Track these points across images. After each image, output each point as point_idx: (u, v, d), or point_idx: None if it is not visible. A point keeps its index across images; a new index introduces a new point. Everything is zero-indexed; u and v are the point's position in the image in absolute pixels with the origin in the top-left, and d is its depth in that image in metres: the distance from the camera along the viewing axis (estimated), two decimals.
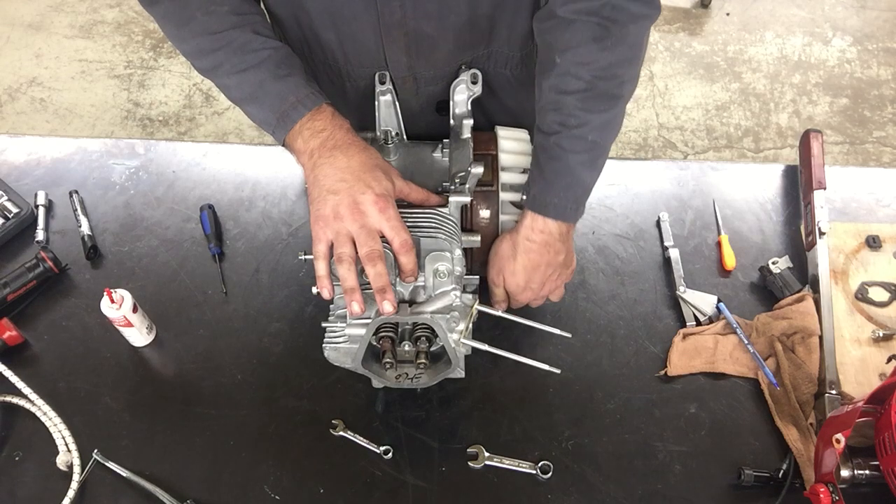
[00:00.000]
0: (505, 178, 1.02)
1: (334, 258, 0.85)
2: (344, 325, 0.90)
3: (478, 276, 1.04)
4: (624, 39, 0.87)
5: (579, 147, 0.91)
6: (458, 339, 0.88)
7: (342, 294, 0.85)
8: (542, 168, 0.93)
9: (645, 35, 0.90)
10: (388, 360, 0.91)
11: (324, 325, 0.93)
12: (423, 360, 0.90)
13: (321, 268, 0.87)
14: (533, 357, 0.89)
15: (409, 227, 0.88)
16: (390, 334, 0.90)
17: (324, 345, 0.93)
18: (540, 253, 0.95)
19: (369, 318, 0.86)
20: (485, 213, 1.01)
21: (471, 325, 0.90)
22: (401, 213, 0.87)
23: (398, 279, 0.87)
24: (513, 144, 1.05)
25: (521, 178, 1.02)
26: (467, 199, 0.95)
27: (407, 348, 0.91)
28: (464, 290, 0.94)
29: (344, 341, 0.91)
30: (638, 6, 0.86)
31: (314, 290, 0.96)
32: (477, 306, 0.92)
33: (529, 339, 1.09)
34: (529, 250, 0.95)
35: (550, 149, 0.92)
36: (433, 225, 0.93)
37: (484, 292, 1.05)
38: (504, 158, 1.03)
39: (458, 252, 0.91)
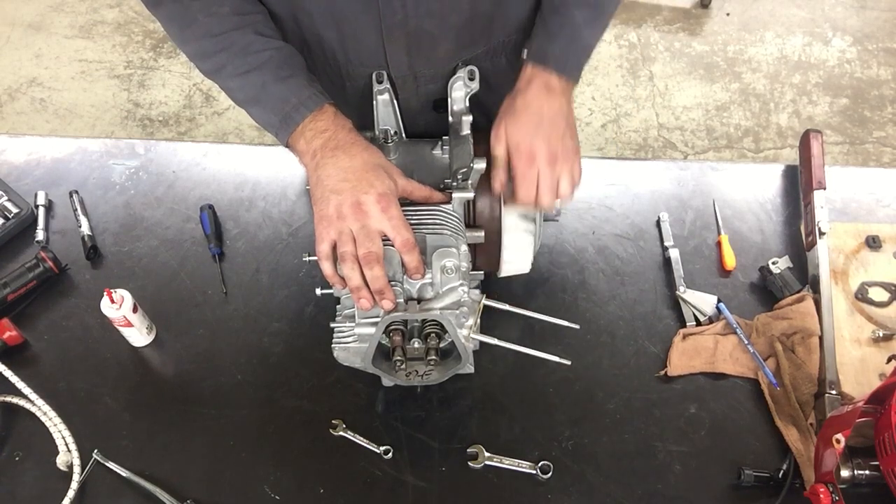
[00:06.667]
0: None
1: (339, 257, 0.85)
2: (352, 324, 0.90)
3: (482, 272, 1.04)
4: None
5: (582, 2, 0.94)
6: (467, 334, 0.88)
7: (349, 294, 0.86)
8: (545, 22, 0.95)
9: None
10: (398, 357, 0.91)
11: (332, 325, 0.94)
12: (434, 357, 0.91)
13: (327, 267, 0.88)
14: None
15: (413, 224, 0.88)
16: (400, 331, 0.91)
17: (333, 345, 0.93)
18: (538, 99, 0.92)
19: (378, 316, 0.86)
20: (487, 209, 1.00)
21: (478, 321, 0.90)
22: (404, 210, 0.88)
23: (405, 276, 0.88)
24: None
25: None
26: (470, 195, 0.95)
27: (417, 345, 0.91)
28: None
29: (353, 341, 0.91)
30: None
31: (318, 291, 0.97)
32: (484, 301, 0.92)
33: (531, 338, 1.08)
34: (527, 97, 0.93)
35: (555, 4, 0.95)
36: (437, 222, 0.93)
37: (490, 283, 1.04)
38: None
39: (464, 248, 0.91)
